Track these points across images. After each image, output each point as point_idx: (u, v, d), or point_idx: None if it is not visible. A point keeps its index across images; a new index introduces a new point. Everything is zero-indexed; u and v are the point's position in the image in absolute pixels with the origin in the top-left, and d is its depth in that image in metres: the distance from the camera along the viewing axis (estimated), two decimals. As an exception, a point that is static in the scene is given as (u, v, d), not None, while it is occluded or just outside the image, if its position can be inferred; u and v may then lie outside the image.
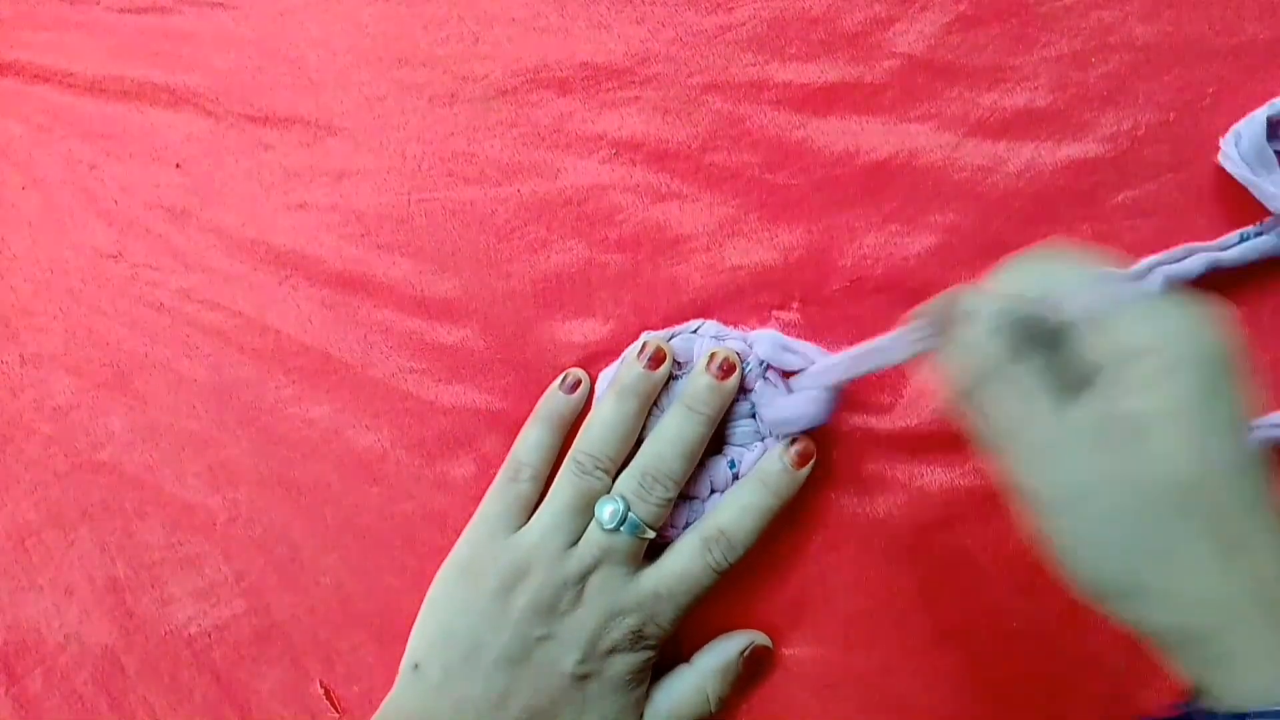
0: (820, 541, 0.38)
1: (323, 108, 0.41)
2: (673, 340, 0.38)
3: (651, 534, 0.36)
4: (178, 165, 0.41)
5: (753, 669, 0.38)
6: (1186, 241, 0.38)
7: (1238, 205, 0.38)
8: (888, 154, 0.39)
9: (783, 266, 0.39)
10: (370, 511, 0.40)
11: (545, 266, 0.40)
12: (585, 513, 0.36)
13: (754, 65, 0.39)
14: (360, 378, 0.40)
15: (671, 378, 0.38)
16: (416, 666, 0.36)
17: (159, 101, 0.41)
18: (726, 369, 0.37)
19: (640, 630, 0.35)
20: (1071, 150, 0.38)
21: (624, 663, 0.35)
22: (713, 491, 0.38)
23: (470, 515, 0.39)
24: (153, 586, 0.40)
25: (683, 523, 0.38)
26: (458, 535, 0.39)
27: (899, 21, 0.39)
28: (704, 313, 0.39)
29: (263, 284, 0.41)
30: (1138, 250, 0.38)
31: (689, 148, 0.40)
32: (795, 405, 0.36)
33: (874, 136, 0.39)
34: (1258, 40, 0.38)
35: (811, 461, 0.37)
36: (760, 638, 0.38)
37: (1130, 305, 0.27)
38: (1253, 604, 0.24)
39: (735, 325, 0.39)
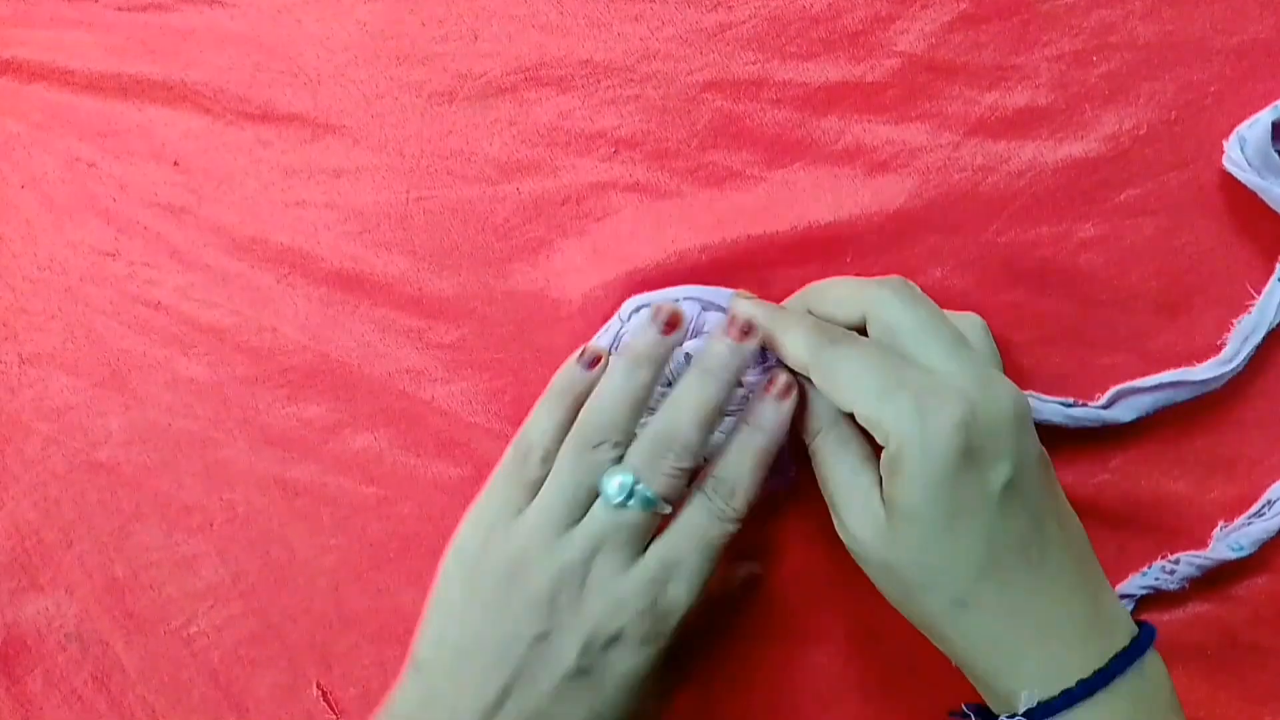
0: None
1: (321, 105, 0.41)
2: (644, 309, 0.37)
3: (666, 508, 0.33)
4: (176, 163, 0.41)
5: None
6: (1189, 239, 0.38)
7: (1240, 203, 0.38)
8: (888, 153, 0.39)
9: (782, 262, 0.39)
10: (367, 512, 0.40)
11: (544, 266, 0.40)
12: (589, 491, 0.33)
13: (754, 64, 0.39)
14: (357, 377, 0.40)
15: None
16: (418, 665, 0.34)
17: (157, 99, 0.41)
18: (745, 330, 0.34)
19: (648, 612, 0.32)
20: (1073, 149, 0.38)
21: (626, 661, 0.32)
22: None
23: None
24: (151, 587, 0.40)
25: None
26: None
27: (900, 20, 0.39)
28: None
29: (261, 282, 0.41)
30: (1139, 249, 0.38)
31: (689, 146, 0.40)
32: None
33: (874, 135, 0.39)
34: (1259, 39, 0.38)
35: (794, 394, 0.34)
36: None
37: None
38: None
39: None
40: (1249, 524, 0.37)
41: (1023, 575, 0.30)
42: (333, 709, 0.40)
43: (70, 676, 0.40)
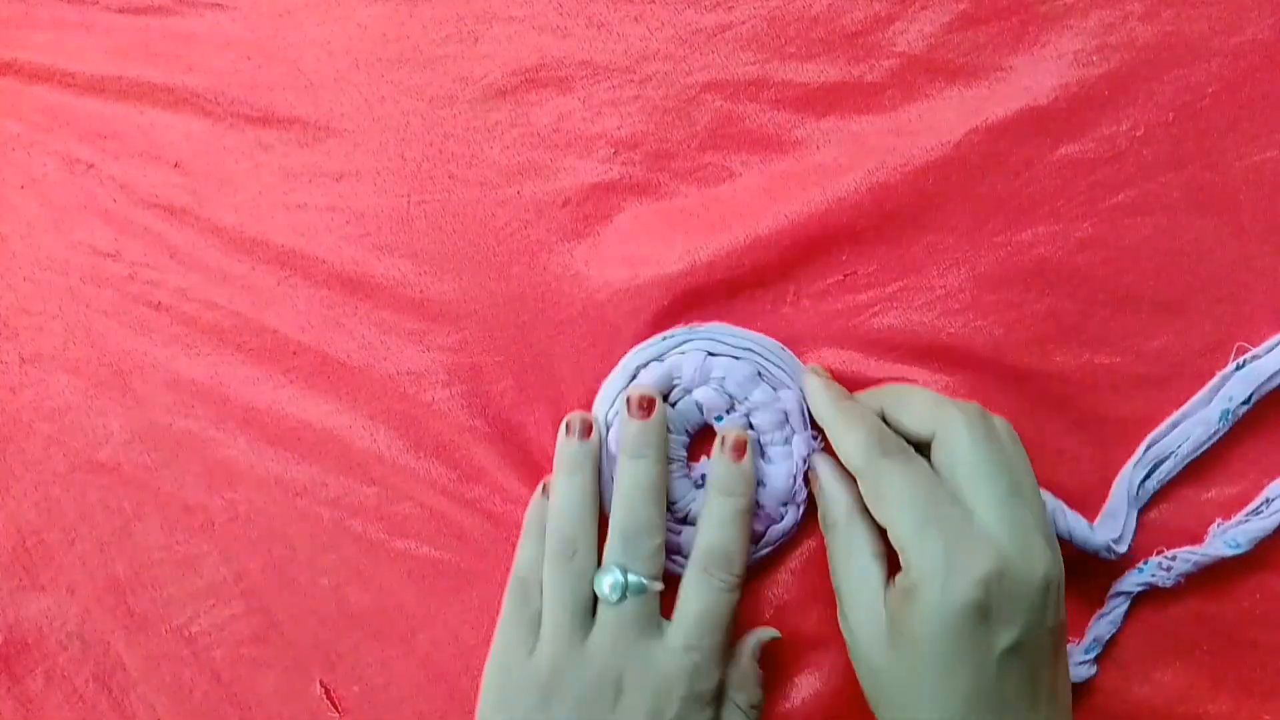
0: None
1: (322, 108, 0.41)
2: (652, 363, 0.38)
3: (659, 586, 0.35)
4: (176, 165, 0.41)
5: (768, 663, 0.37)
6: (1186, 240, 0.38)
7: (1239, 204, 0.38)
8: (887, 153, 0.39)
9: (781, 262, 0.39)
10: (368, 512, 0.40)
11: (545, 268, 0.40)
12: (585, 599, 0.35)
13: (753, 64, 0.39)
14: (358, 379, 0.40)
15: (666, 398, 0.38)
16: None
17: (158, 101, 0.41)
18: (646, 406, 0.36)
19: (692, 693, 0.34)
20: (1070, 149, 0.38)
21: None
22: None
23: (466, 519, 0.39)
24: (153, 586, 0.41)
25: (687, 550, 0.37)
26: (454, 535, 0.39)
27: (899, 20, 0.39)
28: (701, 307, 0.39)
29: (261, 284, 0.41)
30: (1136, 249, 0.38)
31: (688, 147, 0.40)
32: None
33: (873, 136, 0.39)
34: (1258, 40, 0.38)
35: (749, 452, 0.36)
36: (764, 632, 0.37)
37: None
38: None
39: (724, 322, 0.39)
40: (1246, 521, 0.37)
41: None
42: (335, 707, 0.40)
43: (72, 676, 0.41)
